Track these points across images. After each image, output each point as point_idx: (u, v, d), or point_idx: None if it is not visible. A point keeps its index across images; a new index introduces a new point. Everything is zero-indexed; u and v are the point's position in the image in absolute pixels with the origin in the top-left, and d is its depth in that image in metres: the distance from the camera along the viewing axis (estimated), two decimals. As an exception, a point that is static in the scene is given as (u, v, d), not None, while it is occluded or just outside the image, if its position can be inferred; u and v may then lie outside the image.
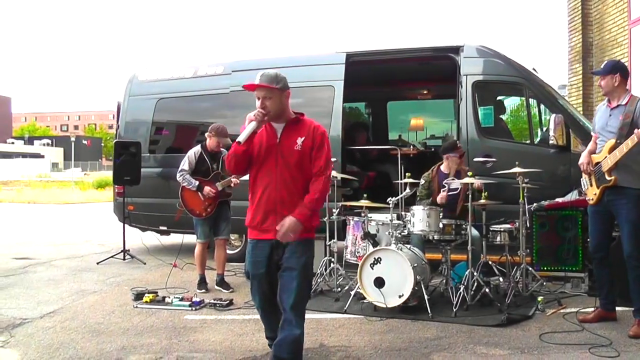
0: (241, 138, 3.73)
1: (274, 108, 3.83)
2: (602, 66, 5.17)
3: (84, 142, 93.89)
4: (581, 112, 10.68)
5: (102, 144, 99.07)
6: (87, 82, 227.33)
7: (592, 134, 5.36)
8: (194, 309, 5.92)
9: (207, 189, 6.84)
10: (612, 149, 4.89)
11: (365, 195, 6.69)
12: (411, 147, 10.53)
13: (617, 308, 5.30)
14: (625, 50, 10.94)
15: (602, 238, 5.22)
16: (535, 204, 6.64)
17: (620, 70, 5.06)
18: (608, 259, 5.24)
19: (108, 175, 39.54)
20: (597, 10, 12.12)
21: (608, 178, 4.91)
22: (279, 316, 3.91)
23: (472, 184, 5.95)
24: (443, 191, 6.56)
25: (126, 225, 9.07)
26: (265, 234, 3.88)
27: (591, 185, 5.16)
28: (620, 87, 5.04)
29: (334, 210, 6.86)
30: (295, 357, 3.82)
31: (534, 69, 8.14)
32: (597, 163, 5.06)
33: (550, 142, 7.08)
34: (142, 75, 9.83)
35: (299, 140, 3.86)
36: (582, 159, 5.22)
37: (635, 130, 4.65)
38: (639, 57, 10.63)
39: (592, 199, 5.15)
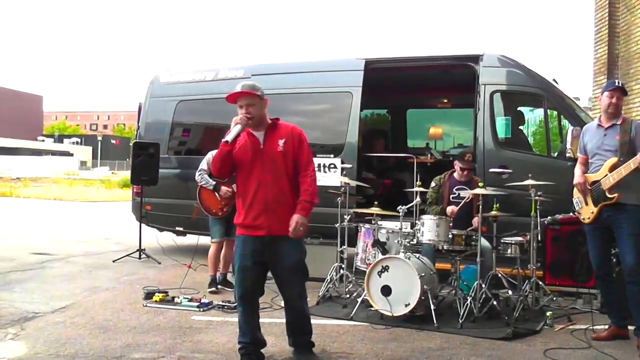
0: (229, 138, 4.07)
1: (256, 114, 4.16)
2: (620, 83, 5.15)
3: (113, 141, 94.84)
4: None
5: (131, 144, 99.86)
6: (117, 83, 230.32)
7: (580, 155, 5.34)
8: (201, 309, 5.96)
9: (224, 188, 6.92)
10: (614, 168, 4.86)
11: (375, 202, 6.67)
12: (429, 155, 10.47)
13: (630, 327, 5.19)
14: (651, 64, 10.81)
15: (604, 255, 5.20)
16: (549, 217, 6.58)
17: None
18: (612, 275, 5.22)
19: (134, 174, 40.09)
20: (625, 21, 11.97)
21: (610, 196, 4.89)
22: (256, 320, 4.42)
23: (482, 195, 5.91)
24: (453, 203, 6.56)
25: (143, 225, 9.17)
26: (257, 231, 4.18)
27: (586, 204, 5.12)
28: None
29: (345, 217, 6.87)
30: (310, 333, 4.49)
31: (554, 80, 8.05)
32: (595, 182, 5.03)
33: (568, 155, 7.00)
34: (163, 77, 9.95)
35: (281, 142, 4.21)
36: (579, 179, 5.17)
37: (638, 156, 4.67)
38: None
39: (589, 218, 5.11)
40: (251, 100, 4.16)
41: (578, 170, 5.27)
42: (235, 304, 5.79)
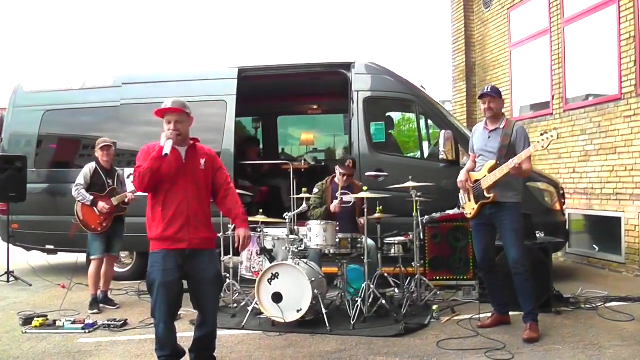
0: (167, 150, 4.06)
1: (184, 131, 4.25)
2: (489, 89, 5.47)
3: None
4: (466, 128, 11.21)
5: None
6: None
7: (470, 153, 5.71)
8: (87, 331, 5.67)
9: (101, 204, 6.65)
10: (492, 169, 5.22)
11: (260, 210, 6.69)
12: (302, 161, 10.61)
13: (510, 312, 5.61)
14: (506, 70, 11.68)
15: (488, 248, 5.53)
16: (427, 217, 6.91)
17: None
18: (496, 267, 5.57)
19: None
20: (480, 32, 12.85)
21: (487, 195, 5.25)
22: (175, 331, 4.32)
23: (365, 198, 6.11)
24: (336, 201, 6.72)
25: (10, 245, 8.57)
26: (179, 243, 4.18)
27: (469, 200, 5.50)
28: (502, 111, 5.50)
29: (229, 225, 6.82)
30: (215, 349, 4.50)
31: (422, 86, 8.45)
32: (477, 180, 5.39)
33: (440, 157, 7.38)
34: (27, 86, 9.33)
35: (202, 161, 4.34)
36: (461, 177, 5.55)
37: (511, 161, 5.05)
38: (518, 77, 11.37)
39: (470, 213, 5.49)
40: (180, 117, 4.23)
41: (465, 167, 5.65)
42: (122, 323, 5.88)
